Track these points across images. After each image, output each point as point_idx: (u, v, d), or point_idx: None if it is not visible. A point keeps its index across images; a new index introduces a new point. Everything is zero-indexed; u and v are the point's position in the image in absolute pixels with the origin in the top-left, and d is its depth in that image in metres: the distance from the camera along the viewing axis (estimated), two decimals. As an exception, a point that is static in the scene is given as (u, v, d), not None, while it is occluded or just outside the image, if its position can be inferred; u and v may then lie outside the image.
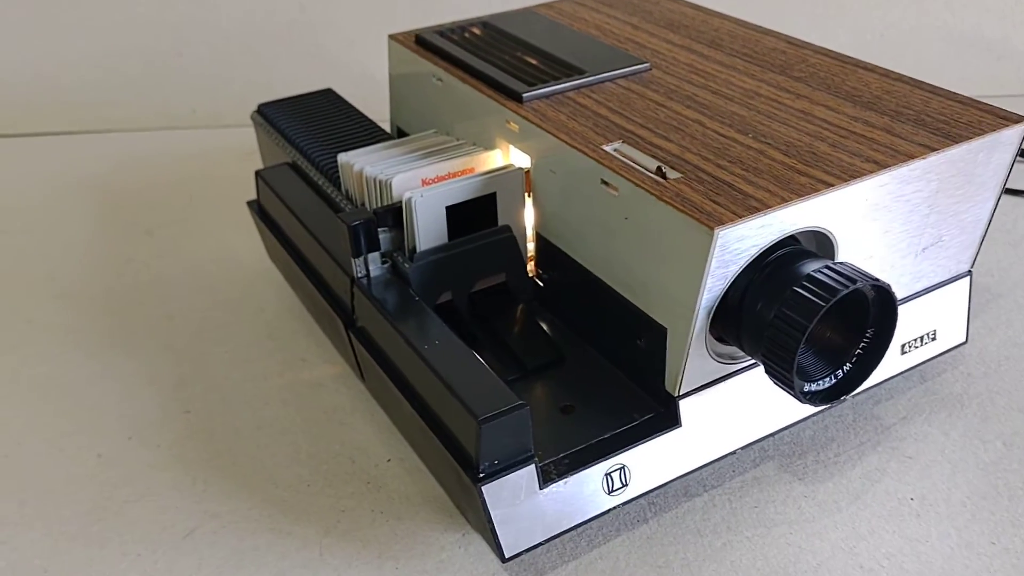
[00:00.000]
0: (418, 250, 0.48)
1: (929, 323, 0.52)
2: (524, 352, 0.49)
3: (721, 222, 0.39)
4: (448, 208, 0.48)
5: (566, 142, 0.47)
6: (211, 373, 0.60)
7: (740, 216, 0.39)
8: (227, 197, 0.83)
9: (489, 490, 0.41)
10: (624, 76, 0.54)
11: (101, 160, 0.91)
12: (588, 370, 0.49)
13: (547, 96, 0.52)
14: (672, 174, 0.43)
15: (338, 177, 0.58)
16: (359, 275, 0.50)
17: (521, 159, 0.52)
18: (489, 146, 0.54)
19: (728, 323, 0.43)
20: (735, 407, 0.47)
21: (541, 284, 0.53)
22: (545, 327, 0.52)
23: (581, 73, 0.53)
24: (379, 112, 0.70)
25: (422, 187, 0.49)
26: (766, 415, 0.48)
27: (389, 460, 0.53)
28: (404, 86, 0.64)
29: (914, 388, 0.55)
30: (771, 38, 0.59)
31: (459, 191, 0.48)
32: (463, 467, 0.41)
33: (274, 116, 0.65)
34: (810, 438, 0.52)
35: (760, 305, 0.41)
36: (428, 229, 0.48)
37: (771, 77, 0.53)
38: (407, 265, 0.48)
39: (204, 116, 0.99)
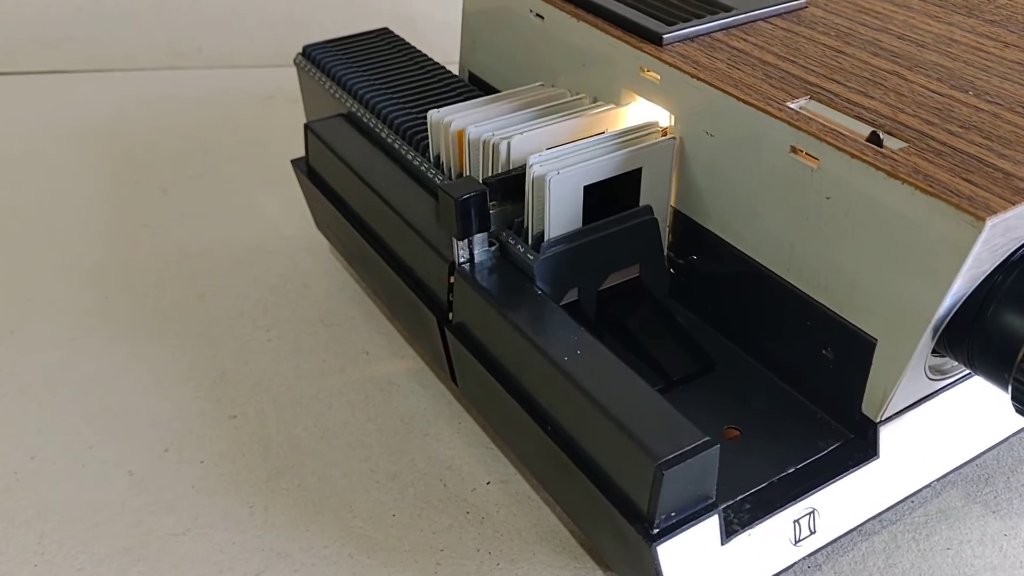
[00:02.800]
0: (547, 237, 0.38)
1: None
2: (667, 359, 0.40)
3: (992, 210, 0.30)
4: (585, 188, 0.38)
5: (736, 97, 0.37)
6: (257, 367, 0.50)
7: (1012, 202, 0.30)
8: (249, 148, 0.72)
9: (665, 550, 0.32)
10: (778, 14, 0.44)
11: (97, 104, 0.79)
12: (746, 382, 0.40)
13: (691, 38, 0.42)
14: (893, 142, 0.34)
15: (412, 133, 0.48)
16: (461, 260, 0.40)
17: (655, 116, 0.42)
18: (613, 100, 0.44)
19: (960, 335, 0.33)
20: (936, 431, 0.38)
21: (673, 272, 0.44)
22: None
23: (727, 10, 0.43)
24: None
25: (547, 156, 0.38)
26: (967, 438, 0.39)
27: (489, 482, 0.44)
28: (484, 24, 0.53)
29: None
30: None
31: (602, 167, 0.38)
32: (627, 518, 0.32)
33: (325, 60, 0.54)
34: (994, 458, 0.44)
35: (1012, 314, 0.32)
36: (561, 212, 0.38)
37: (960, 20, 0.43)
38: (531, 256, 0.38)
39: (212, 55, 0.88)
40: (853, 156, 0.33)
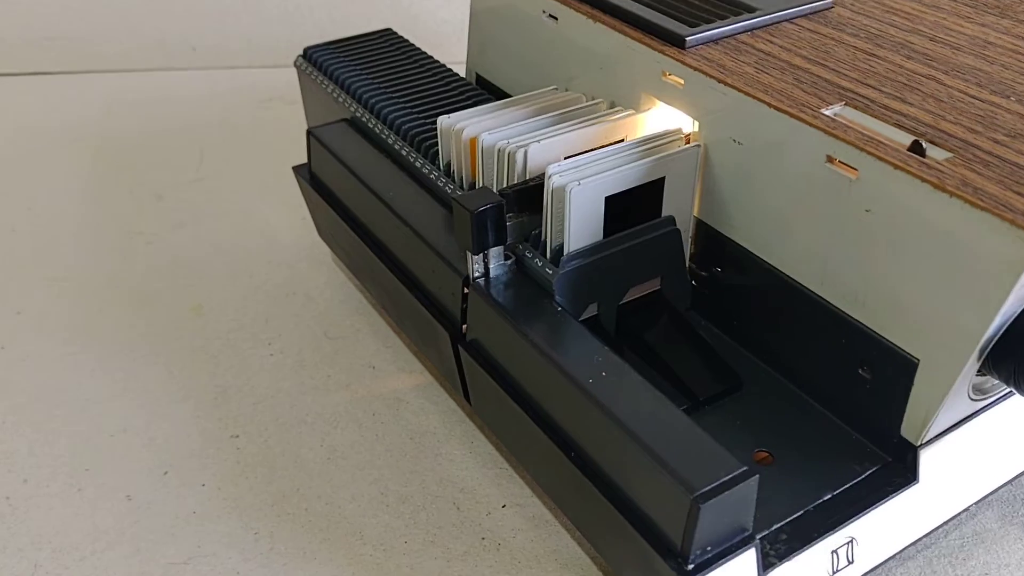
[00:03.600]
0: (567, 250, 0.36)
1: None
2: (693, 377, 0.38)
3: (1049, 226, 0.28)
4: (607, 199, 0.36)
5: (767, 103, 0.35)
6: (258, 383, 0.48)
7: (1070, 217, 0.28)
8: (247, 153, 0.70)
9: (700, 586, 0.30)
10: (804, 14, 0.42)
11: (87, 107, 0.77)
12: (775, 402, 0.38)
13: (715, 40, 0.40)
14: (937, 152, 0.32)
15: (421, 139, 0.46)
16: (476, 275, 0.38)
17: (678, 123, 0.40)
18: (632, 105, 0.42)
19: (1006, 354, 0.32)
20: (975, 452, 0.36)
21: (695, 284, 0.42)
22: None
23: (751, 10, 0.41)
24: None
25: (566, 166, 0.36)
26: (1006, 458, 0.38)
27: (504, 505, 0.42)
28: (493, 24, 0.51)
29: None
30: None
31: (624, 177, 0.36)
32: (659, 552, 0.30)
33: (326, 62, 0.52)
34: (1030, 476, 0.42)
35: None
36: (582, 224, 0.36)
37: (992, 21, 0.41)
38: (550, 271, 0.36)
39: (206, 55, 0.85)
40: (896, 167, 0.31)
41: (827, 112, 0.35)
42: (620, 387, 0.33)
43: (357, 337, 0.51)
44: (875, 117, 0.34)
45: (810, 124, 0.34)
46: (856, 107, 0.35)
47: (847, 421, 0.36)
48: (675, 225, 0.39)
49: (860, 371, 0.35)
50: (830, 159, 0.34)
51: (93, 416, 0.47)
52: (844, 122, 0.34)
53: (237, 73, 0.83)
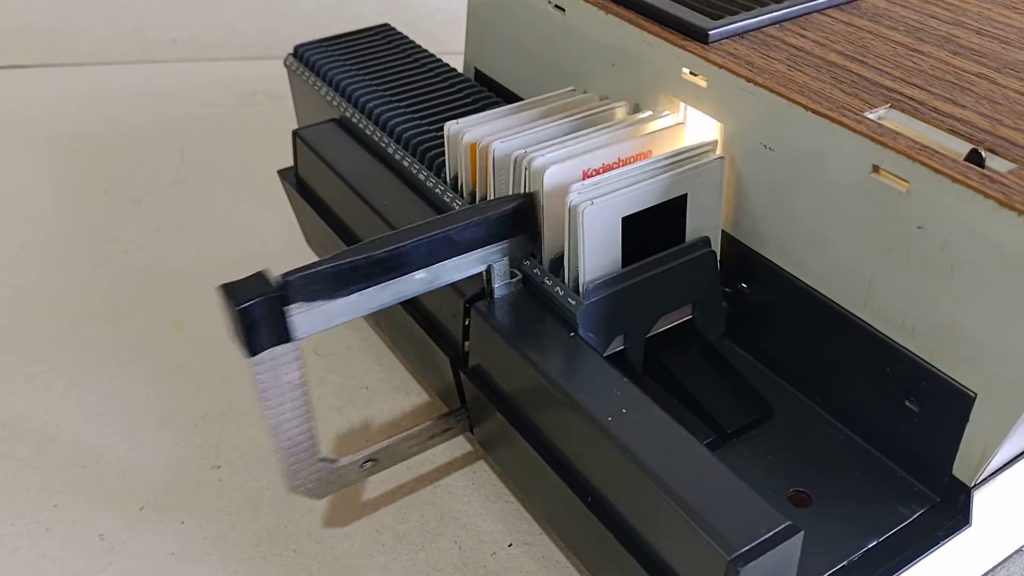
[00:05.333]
0: (583, 277, 0.33)
1: None
2: (720, 407, 0.35)
3: None
4: (625, 220, 0.33)
5: (804, 105, 0.32)
6: (242, 407, 0.45)
7: None
8: (232, 152, 0.66)
9: (738, 656, 0.27)
10: (835, 4, 0.38)
11: (60, 102, 0.73)
12: (810, 434, 0.35)
13: (741, 33, 0.37)
14: (998, 162, 0.29)
15: (417, 143, 0.42)
16: (477, 293, 0.35)
17: (701, 127, 0.36)
18: (649, 107, 0.38)
19: (1075, 388, 0.29)
20: (1028, 490, 0.33)
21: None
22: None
23: (779, 1, 0.38)
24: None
25: (584, 184, 0.33)
26: (1061, 495, 0.35)
27: (511, 544, 0.38)
28: (495, 15, 0.47)
29: None
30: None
31: (642, 195, 0.33)
32: (691, 615, 0.27)
33: (319, 61, 0.48)
34: (1079, 507, 0.39)
35: None
36: (596, 249, 0.32)
37: (1041, 10, 0.38)
38: (572, 301, 0.32)
39: (187, 47, 0.81)
40: (954, 180, 0.28)
41: (871, 116, 0.31)
42: (643, 425, 0.29)
43: (349, 353, 0.48)
44: (925, 122, 0.31)
45: (853, 130, 0.30)
46: (903, 110, 0.31)
47: (891, 457, 0.33)
48: (710, 247, 0.35)
49: (906, 403, 0.32)
50: (876, 169, 0.30)
51: (62, 445, 0.43)
52: (891, 127, 0.30)
53: (220, 65, 0.79)
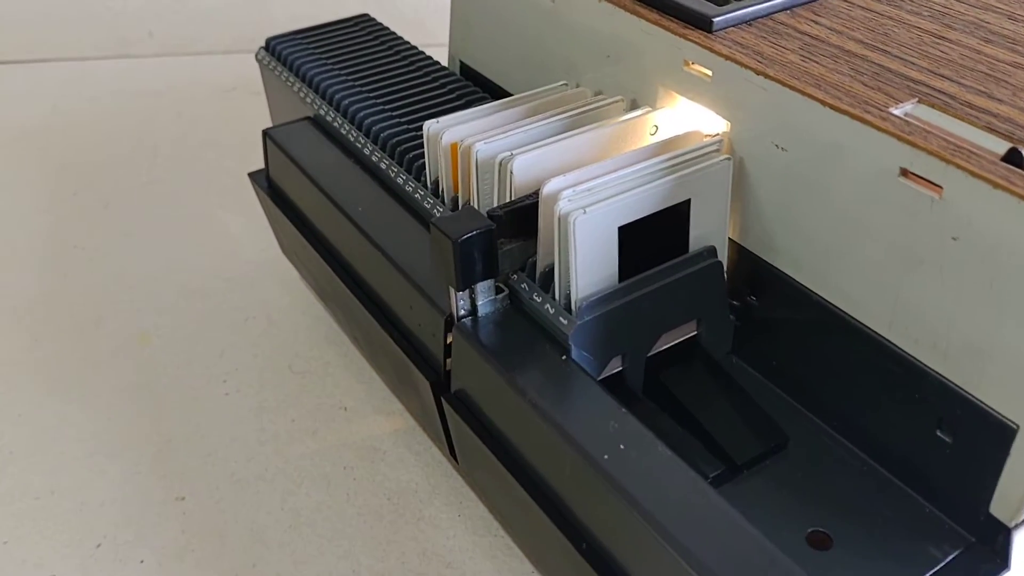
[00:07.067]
0: (576, 296, 0.29)
1: None
2: (730, 436, 0.31)
3: None
4: (621, 229, 0.29)
5: (821, 100, 0.28)
6: (210, 431, 0.41)
7: None
8: (207, 152, 0.62)
9: None
10: (851, -11, 0.35)
11: (29, 100, 0.69)
12: (828, 464, 0.31)
13: (748, 21, 0.33)
14: (1045, 164, 0.25)
15: (396, 144, 0.39)
16: (461, 314, 0.31)
17: (707, 124, 0.33)
18: (647, 101, 0.35)
19: None
20: (1074, 526, 0.30)
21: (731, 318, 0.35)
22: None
23: (789, -16, 0.35)
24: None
25: (576, 190, 0.29)
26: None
27: (499, 583, 0.35)
28: (480, 4, 0.44)
29: None
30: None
31: (639, 202, 0.29)
32: None
33: (292, 55, 0.45)
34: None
35: None
36: (590, 262, 0.29)
37: (1078, -8, 0.35)
38: (564, 320, 0.29)
39: (163, 41, 0.78)
40: (995, 185, 0.24)
41: (897, 112, 0.28)
42: (643, 464, 0.26)
43: (326, 371, 0.44)
44: (958, 118, 0.27)
45: (878, 128, 0.27)
46: (933, 105, 0.28)
47: (920, 492, 0.30)
48: (716, 257, 0.32)
49: (938, 432, 0.28)
50: (905, 172, 0.27)
51: (14, 474, 0.40)
52: (920, 125, 0.27)
53: (198, 60, 0.75)
